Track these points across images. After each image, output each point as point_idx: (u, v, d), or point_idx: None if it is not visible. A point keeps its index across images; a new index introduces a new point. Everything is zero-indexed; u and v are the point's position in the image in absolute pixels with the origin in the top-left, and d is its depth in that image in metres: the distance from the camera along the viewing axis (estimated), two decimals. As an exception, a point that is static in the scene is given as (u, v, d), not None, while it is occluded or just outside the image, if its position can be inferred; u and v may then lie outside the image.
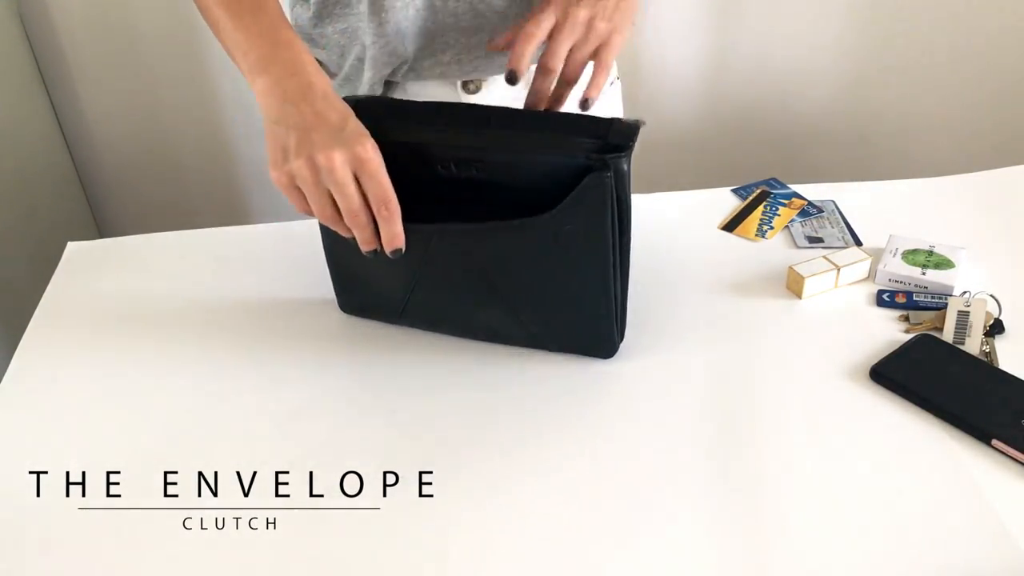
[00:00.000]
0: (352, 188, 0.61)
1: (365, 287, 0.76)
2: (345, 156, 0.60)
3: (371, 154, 0.61)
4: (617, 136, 0.65)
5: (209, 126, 1.65)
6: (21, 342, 0.79)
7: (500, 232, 0.67)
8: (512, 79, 0.71)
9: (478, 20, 0.83)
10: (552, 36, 0.72)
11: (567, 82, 0.74)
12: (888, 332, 0.76)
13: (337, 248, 0.75)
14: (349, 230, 0.65)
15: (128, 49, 1.54)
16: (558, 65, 0.72)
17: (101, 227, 1.74)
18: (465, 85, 0.88)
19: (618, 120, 0.67)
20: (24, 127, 1.48)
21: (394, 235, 0.64)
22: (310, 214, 0.64)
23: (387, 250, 0.65)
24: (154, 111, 1.62)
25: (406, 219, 0.64)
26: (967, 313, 0.75)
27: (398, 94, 0.88)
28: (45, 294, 0.85)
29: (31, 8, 1.48)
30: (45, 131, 1.56)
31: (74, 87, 1.57)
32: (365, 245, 0.65)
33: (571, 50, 0.72)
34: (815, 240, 0.88)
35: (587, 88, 0.73)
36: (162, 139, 1.66)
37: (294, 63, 0.64)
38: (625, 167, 0.64)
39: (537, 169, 0.65)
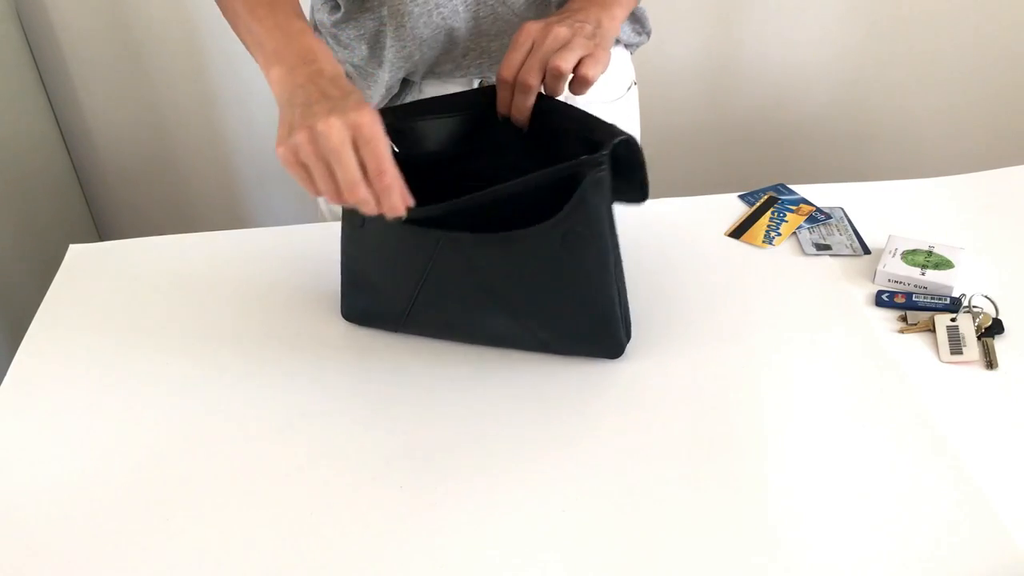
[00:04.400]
0: (349, 156, 0.60)
1: (373, 289, 0.76)
2: (343, 122, 0.60)
3: (368, 119, 0.61)
4: (601, 133, 0.67)
5: (209, 128, 1.65)
6: (22, 345, 0.79)
7: (507, 242, 0.67)
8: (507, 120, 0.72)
9: (499, 25, 0.84)
10: (530, 52, 0.70)
11: (550, 95, 0.72)
12: (887, 333, 0.76)
13: (351, 247, 0.75)
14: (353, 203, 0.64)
15: (127, 50, 1.54)
16: (534, 80, 0.70)
17: (100, 229, 1.74)
18: (481, 84, 0.89)
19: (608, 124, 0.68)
20: (23, 129, 1.48)
21: (393, 207, 0.62)
22: (316, 192, 0.64)
23: (387, 215, 0.63)
24: (154, 112, 1.62)
25: (412, 217, 0.65)
26: (956, 327, 0.75)
27: (414, 93, 0.90)
28: (46, 297, 0.85)
29: (30, 8, 1.48)
30: (44, 132, 1.56)
31: (73, 88, 1.57)
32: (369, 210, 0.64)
33: (549, 64, 0.70)
34: (823, 247, 0.87)
35: (571, 85, 0.71)
36: (162, 141, 1.66)
37: (305, 52, 0.66)
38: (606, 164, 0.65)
39: (527, 187, 0.66)
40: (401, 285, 0.73)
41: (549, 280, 0.69)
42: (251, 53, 0.71)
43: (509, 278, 0.69)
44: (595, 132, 0.67)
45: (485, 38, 0.86)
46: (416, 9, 0.82)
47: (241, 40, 0.73)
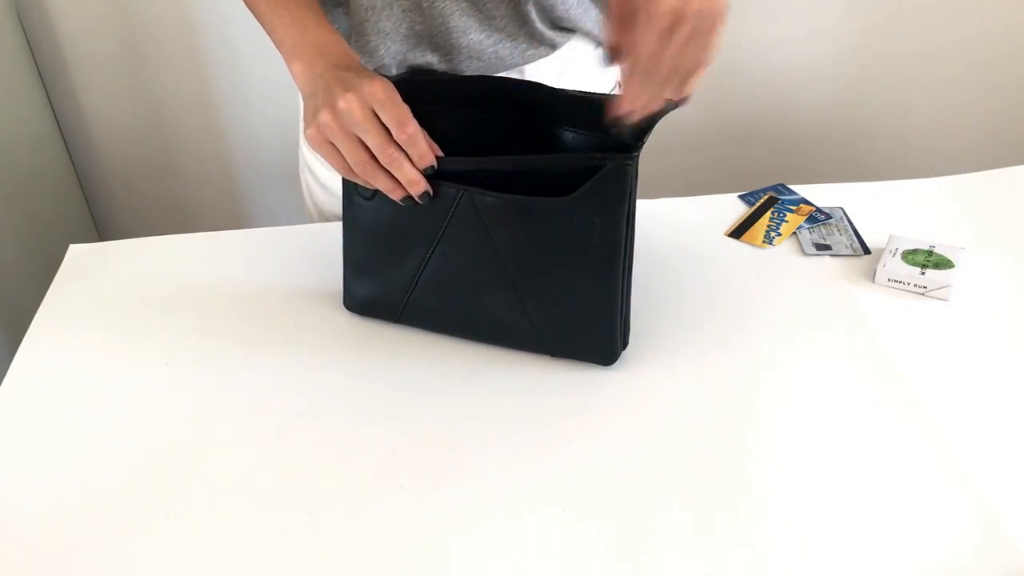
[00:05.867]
0: (372, 122, 0.65)
1: (379, 270, 0.76)
2: (358, 95, 0.65)
3: (380, 85, 0.65)
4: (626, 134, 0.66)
5: (209, 127, 1.65)
6: (22, 345, 0.79)
7: (520, 209, 0.67)
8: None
9: (465, 20, 0.83)
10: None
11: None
12: (888, 334, 0.76)
13: (356, 230, 0.75)
14: (384, 179, 0.67)
15: (127, 50, 1.54)
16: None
17: (100, 229, 1.74)
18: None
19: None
20: (23, 128, 1.48)
21: (422, 156, 0.66)
22: (345, 170, 0.67)
23: (419, 167, 0.67)
24: (154, 112, 1.62)
25: (440, 168, 0.68)
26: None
27: None
28: (47, 297, 0.85)
29: (30, 8, 1.48)
30: (44, 132, 1.56)
31: (73, 88, 1.57)
32: (397, 190, 0.68)
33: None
34: (823, 247, 0.87)
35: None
36: (162, 141, 1.66)
37: (321, 45, 0.71)
38: (632, 165, 0.65)
39: (552, 166, 0.68)
40: (411, 254, 0.73)
41: (556, 261, 0.69)
42: (276, 48, 0.74)
43: (518, 248, 0.69)
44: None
45: (454, 34, 0.84)
46: (379, 2, 0.81)
47: (268, 35, 0.75)
